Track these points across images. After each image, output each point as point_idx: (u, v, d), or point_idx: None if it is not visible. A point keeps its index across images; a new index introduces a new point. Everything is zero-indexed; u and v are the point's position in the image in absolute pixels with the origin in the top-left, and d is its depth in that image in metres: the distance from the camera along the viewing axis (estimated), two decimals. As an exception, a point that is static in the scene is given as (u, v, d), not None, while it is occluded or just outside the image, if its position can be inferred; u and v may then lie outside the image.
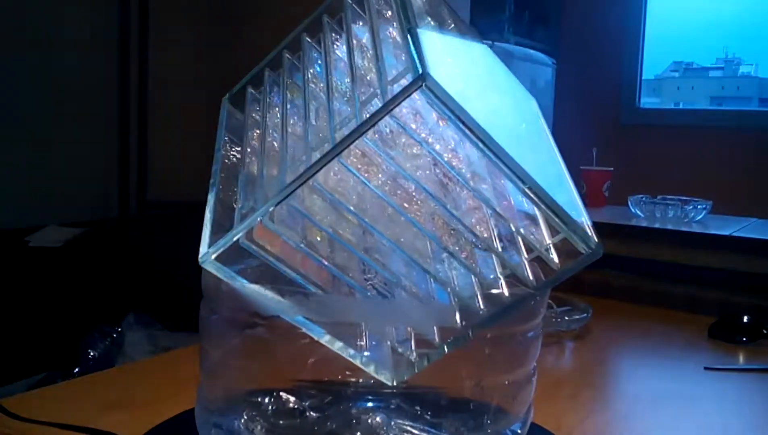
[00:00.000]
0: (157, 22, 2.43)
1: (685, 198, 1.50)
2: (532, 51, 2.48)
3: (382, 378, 0.45)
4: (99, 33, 2.35)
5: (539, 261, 0.45)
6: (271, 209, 0.41)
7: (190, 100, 2.46)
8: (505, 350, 0.50)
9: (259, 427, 0.49)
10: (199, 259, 0.43)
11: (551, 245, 0.45)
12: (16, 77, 2.09)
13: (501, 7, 2.70)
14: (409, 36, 0.40)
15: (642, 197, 1.52)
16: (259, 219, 0.41)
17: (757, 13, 2.74)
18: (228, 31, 2.58)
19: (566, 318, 0.97)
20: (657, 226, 1.42)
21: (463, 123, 0.38)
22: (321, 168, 0.39)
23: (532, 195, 0.40)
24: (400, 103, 0.37)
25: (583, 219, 0.44)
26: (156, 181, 2.45)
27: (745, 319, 0.98)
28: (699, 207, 1.46)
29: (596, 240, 0.42)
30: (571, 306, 1.01)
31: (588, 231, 0.42)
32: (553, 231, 0.45)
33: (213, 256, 0.42)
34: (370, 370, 0.45)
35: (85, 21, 2.29)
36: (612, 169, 1.71)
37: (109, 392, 0.72)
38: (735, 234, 1.32)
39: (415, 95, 0.37)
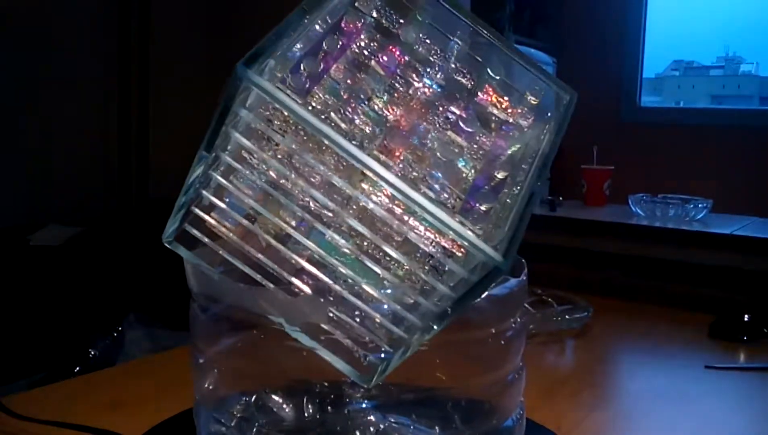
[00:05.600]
0: (157, 20, 2.43)
1: (685, 197, 1.50)
2: (532, 50, 2.48)
3: (356, 379, 0.44)
4: (99, 31, 2.35)
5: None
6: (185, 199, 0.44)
7: (191, 97, 2.46)
8: (486, 349, 0.50)
9: (252, 427, 0.49)
10: (162, 238, 0.45)
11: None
12: (16, 74, 2.09)
13: (501, 5, 2.70)
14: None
15: (643, 196, 1.52)
16: (184, 209, 0.44)
17: (758, 12, 2.73)
18: (229, 31, 2.58)
19: (567, 317, 0.97)
20: (658, 224, 1.43)
21: (300, 118, 0.38)
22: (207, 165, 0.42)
23: (414, 206, 0.39)
24: (233, 101, 0.38)
25: (499, 234, 0.40)
26: (157, 179, 2.45)
27: (746, 317, 0.98)
28: (700, 206, 1.46)
29: (500, 258, 0.38)
30: (572, 305, 1.01)
31: (487, 249, 0.38)
32: None
33: (172, 237, 0.45)
34: (343, 369, 0.45)
35: (86, 19, 2.29)
36: (612, 167, 1.71)
37: (109, 391, 0.73)
38: (735, 233, 1.32)
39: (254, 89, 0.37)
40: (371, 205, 0.41)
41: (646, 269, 1.28)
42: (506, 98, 0.50)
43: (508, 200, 0.44)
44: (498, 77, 0.50)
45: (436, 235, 0.41)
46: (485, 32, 0.50)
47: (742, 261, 1.21)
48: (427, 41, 0.50)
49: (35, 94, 2.15)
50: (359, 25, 0.48)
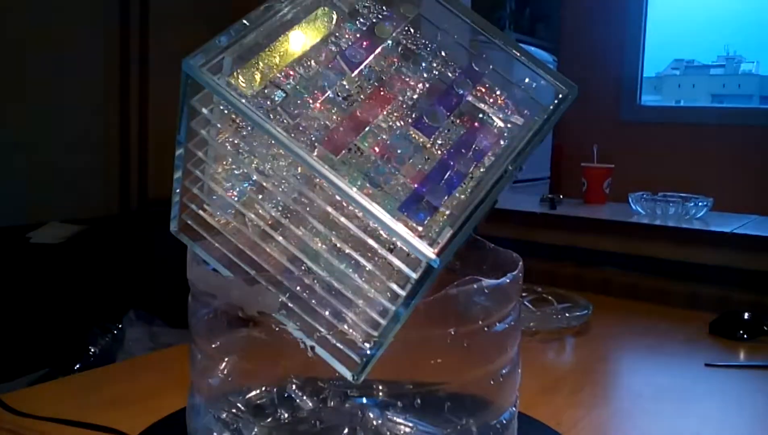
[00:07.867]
0: (157, 20, 2.43)
1: (686, 195, 1.50)
2: (533, 48, 2.48)
3: (346, 374, 0.44)
4: (99, 30, 2.34)
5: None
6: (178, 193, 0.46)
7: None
8: (479, 343, 0.50)
9: (249, 423, 0.49)
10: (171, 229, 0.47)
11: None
12: (16, 73, 2.09)
13: (502, 4, 2.70)
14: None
15: (643, 194, 1.52)
16: (177, 201, 0.46)
17: (758, 12, 2.73)
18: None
19: (567, 315, 0.97)
20: (658, 223, 1.43)
21: (240, 111, 0.39)
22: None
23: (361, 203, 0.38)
24: (189, 90, 0.41)
25: (437, 232, 0.40)
26: (157, 178, 2.45)
27: (746, 315, 0.98)
28: (700, 204, 1.46)
29: (432, 255, 0.37)
30: (572, 303, 1.01)
31: (418, 245, 0.38)
32: None
33: (177, 228, 0.47)
34: (334, 365, 0.44)
35: (86, 18, 2.29)
36: (613, 166, 1.71)
37: (109, 388, 0.73)
38: (736, 231, 1.32)
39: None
40: (318, 202, 0.41)
41: (646, 267, 1.28)
42: (498, 93, 0.49)
43: (463, 196, 0.43)
44: (486, 71, 0.49)
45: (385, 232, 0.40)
46: (481, 27, 0.50)
47: (743, 259, 1.21)
48: (416, 35, 0.50)
49: (35, 94, 2.15)
50: (334, 19, 0.47)
